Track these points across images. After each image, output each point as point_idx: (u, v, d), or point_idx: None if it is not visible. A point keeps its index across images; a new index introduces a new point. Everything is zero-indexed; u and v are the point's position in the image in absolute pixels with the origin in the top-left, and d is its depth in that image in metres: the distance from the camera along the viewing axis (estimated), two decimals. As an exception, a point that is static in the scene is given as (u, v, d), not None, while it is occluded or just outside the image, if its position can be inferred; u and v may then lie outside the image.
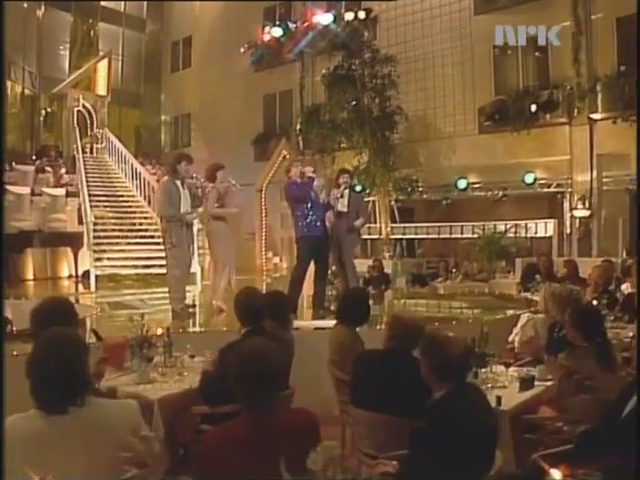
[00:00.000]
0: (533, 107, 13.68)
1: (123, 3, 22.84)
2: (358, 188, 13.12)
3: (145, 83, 23.51)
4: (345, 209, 7.03)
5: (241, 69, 18.32)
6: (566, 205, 14.20)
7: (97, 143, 17.62)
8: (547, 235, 14.58)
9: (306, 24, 15.88)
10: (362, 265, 9.98)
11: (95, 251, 12.01)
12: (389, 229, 15.14)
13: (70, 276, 13.62)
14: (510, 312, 7.11)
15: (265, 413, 2.22)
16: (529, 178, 14.20)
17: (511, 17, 13.63)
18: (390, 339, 3.46)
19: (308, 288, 7.22)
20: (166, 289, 7.16)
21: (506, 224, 14.65)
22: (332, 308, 6.52)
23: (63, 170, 16.50)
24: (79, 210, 13.94)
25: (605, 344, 3.65)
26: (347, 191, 7.12)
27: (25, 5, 19.36)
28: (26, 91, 19.95)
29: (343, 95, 14.89)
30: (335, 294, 7.32)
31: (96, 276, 11.34)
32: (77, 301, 10.19)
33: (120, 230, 13.32)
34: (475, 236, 14.77)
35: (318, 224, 6.82)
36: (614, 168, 13.20)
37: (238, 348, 2.47)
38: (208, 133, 20.69)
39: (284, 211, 8.00)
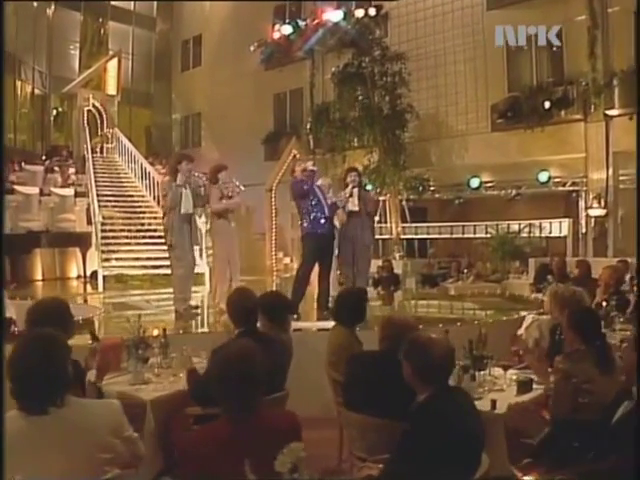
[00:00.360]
0: (547, 104, 13.38)
1: (133, 2, 22.82)
2: (369, 187, 12.94)
3: (155, 82, 23.51)
4: (356, 208, 6.93)
5: (251, 68, 18.21)
6: (581, 204, 13.89)
7: (107, 143, 17.60)
8: (562, 235, 14.29)
9: (316, 21, 15.72)
10: (372, 265, 9.85)
11: (103, 251, 11.97)
12: (400, 229, 14.94)
13: (79, 276, 13.63)
14: (522, 313, 6.93)
15: (245, 415, 2.24)
16: (543, 176, 13.90)
17: (524, 12, 13.38)
18: (382, 340, 3.44)
19: (313, 289, 7.09)
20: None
21: (520, 224, 14.40)
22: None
23: (71, 170, 16.51)
24: (88, 210, 13.93)
25: (604, 347, 3.56)
26: (356, 190, 6.99)
27: (35, 4, 19.42)
28: (36, 91, 20.00)
29: (353, 93, 14.69)
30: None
31: (104, 276, 11.31)
32: (85, 301, 10.21)
33: (129, 230, 13.25)
34: (488, 236, 14.54)
35: (322, 221, 6.74)
36: (630, 166, 12.86)
37: (220, 350, 2.49)
38: (218, 132, 20.64)
39: (294, 211, 7.95)
